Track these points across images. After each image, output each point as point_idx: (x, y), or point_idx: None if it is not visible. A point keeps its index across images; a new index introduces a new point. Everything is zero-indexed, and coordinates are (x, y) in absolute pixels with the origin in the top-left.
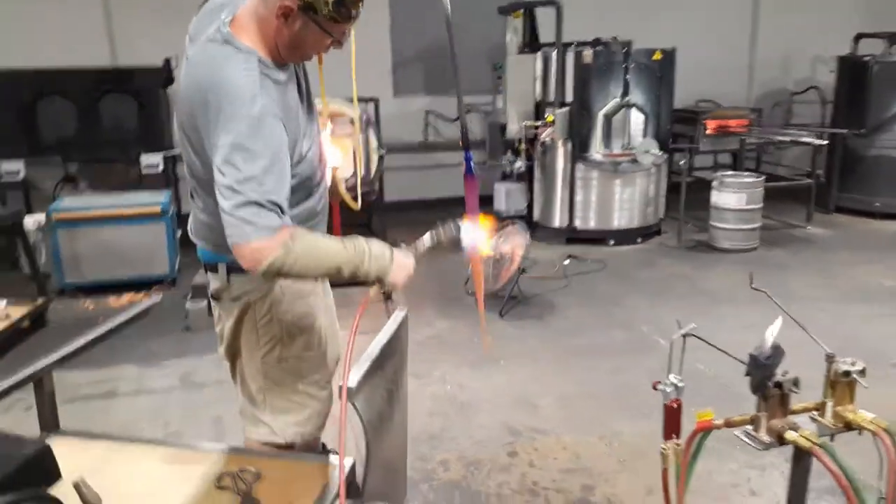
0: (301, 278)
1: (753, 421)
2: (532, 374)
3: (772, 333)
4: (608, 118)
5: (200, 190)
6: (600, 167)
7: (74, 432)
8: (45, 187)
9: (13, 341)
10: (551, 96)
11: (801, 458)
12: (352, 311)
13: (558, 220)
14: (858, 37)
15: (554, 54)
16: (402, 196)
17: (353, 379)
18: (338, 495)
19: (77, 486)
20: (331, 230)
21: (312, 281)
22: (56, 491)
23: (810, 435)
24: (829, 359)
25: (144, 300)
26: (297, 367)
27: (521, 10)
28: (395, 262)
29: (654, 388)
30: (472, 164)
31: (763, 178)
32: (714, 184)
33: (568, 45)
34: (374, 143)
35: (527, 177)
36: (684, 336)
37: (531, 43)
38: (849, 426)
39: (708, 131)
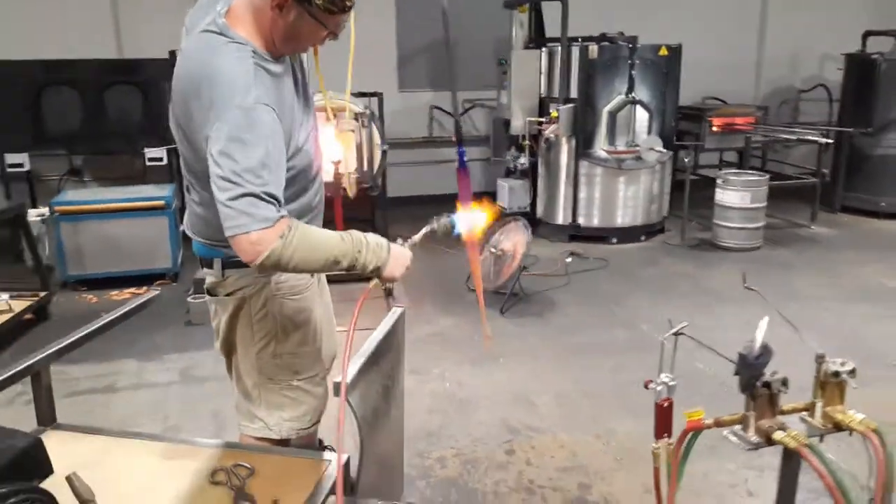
0: (299, 271)
1: (742, 421)
2: (532, 371)
3: (760, 333)
4: (613, 115)
5: (196, 183)
6: (604, 164)
7: (71, 426)
8: (49, 180)
9: (16, 334)
10: (556, 92)
11: (791, 459)
12: (352, 306)
13: (561, 216)
14: (867, 34)
15: (559, 49)
16: (405, 191)
17: (348, 375)
18: (332, 491)
19: (69, 480)
20: (333, 225)
21: (308, 275)
22: (49, 485)
23: (798, 435)
24: (819, 359)
25: (144, 294)
26: (292, 362)
27: (527, 5)
28: (393, 254)
29: (646, 387)
30: (464, 158)
31: (767, 176)
32: (718, 182)
33: (573, 40)
34: (376, 138)
35: (530, 173)
36: (676, 335)
37: (537, 38)
38: (838, 427)
39: (713, 129)
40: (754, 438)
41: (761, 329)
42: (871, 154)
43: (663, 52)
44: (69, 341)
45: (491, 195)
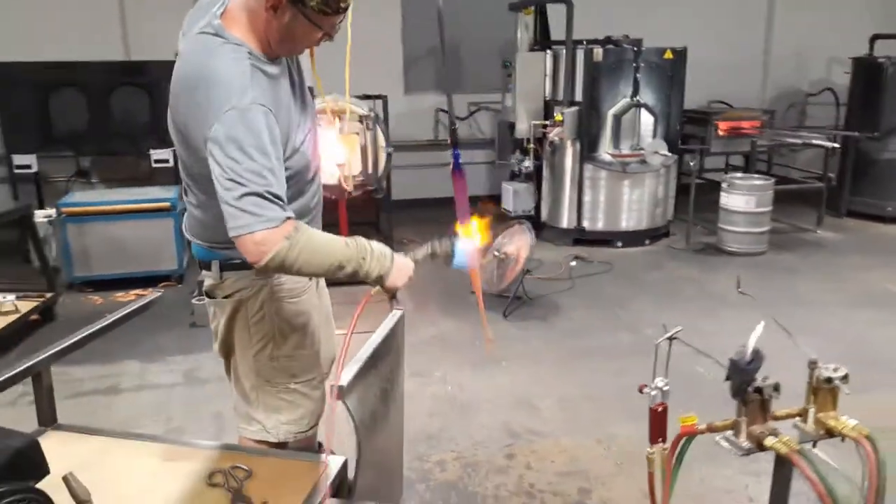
0: (303, 274)
1: (734, 426)
2: (534, 375)
3: (752, 338)
4: (617, 118)
5: (193, 186)
6: (609, 167)
7: (71, 427)
8: (57, 181)
9: (22, 335)
10: (560, 95)
11: (783, 465)
12: (355, 309)
13: (566, 220)
14: (874, 38)
15: (563, 52)
16: (410, 194)
17: (345, 378)
18: (329, 493)
19: (66, 481)
20: (337, 228)
21: (307, 278)
22: (47, 485)
23: (789, 441)
24: (812, 365)
25: (147, 296)
26: (290, 365)
27: (532, 7)
28: (396, 263)
29: (641, 391)
30: (459, 160)
31: (773, 180)
32: (723, 186)
33: (578, 42)
34: (381, 140)
35: (535, 176)
36: (670, 339)
37: (542, 40)
38: (830, 433)
39: (719, 132)
40: (746, 444)
41: (754, 334)
42: (877, 158)
43: (668, 55)
44: (69, 342)
45: (495, 198)
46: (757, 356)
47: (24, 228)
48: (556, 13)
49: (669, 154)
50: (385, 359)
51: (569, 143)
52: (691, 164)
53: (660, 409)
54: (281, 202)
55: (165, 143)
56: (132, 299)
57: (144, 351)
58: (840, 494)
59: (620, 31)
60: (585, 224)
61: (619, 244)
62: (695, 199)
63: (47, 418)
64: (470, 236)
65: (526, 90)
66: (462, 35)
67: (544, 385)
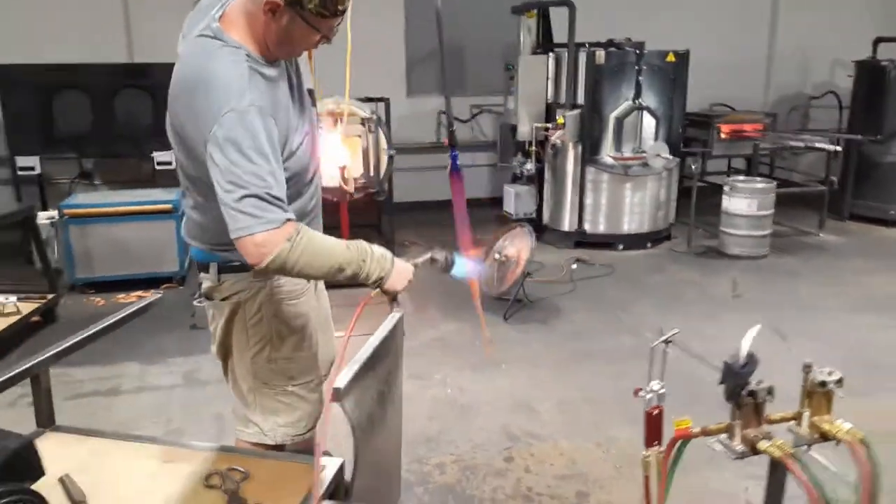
0: (303, 276)
1: (728, 430)
2: (534, 378)
3: (746, 342)
4: (619, 121)
5: (192, 188)
6: (611, 170)
7: (69, 428)
8: (61, 183)
9: (23, 336)
10: (563, 98)
11: (777, 469)
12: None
13: (568, 223)
14: (878, 41)
15: (566, 55)
16: (412, 197)
17: (342, 380)
18: (326, 496)
19: (62, 482)
20: (338, 230)
21: (305, 280)
22: (42, 486)
23: (783, 445)
24: (806, 368)
25: (145, 298)
26: (287, 368)
27: (535, 10)
28: (396, 267)
29: (636, 394)
30: (457, 162)
31: (774, 183)
32: (725, 189)
33: (581, 45)
34: (383, 143)
35: (537, 179)
36: (665, 343)
37: (545, 43)
38: (825, 437)
39: (721, 135)
40: (739, 447)
41: (747, 338)
42: (880, 162)
43: (671, 58)
44: (67, 345)
45: (497, 201)
46: (751, 360)
47: (27, 230)
48: (558, 16)
49: (671, 157)
50: (383, 361)
51: (570, 146)
52: (693, 166)
53: (655, 412)
54: (281, 203)
55: (168, 145)
56: (134, 301)
57: (145, 352)
58: (838, 498)
59: (623, 34)
60: (587, 227)
61: (621, 247)
62: (697, 202)
63: (45, 420)
64: (470, 252)
65: (528, 93)
66: (465, 37)
67: (544, 388)
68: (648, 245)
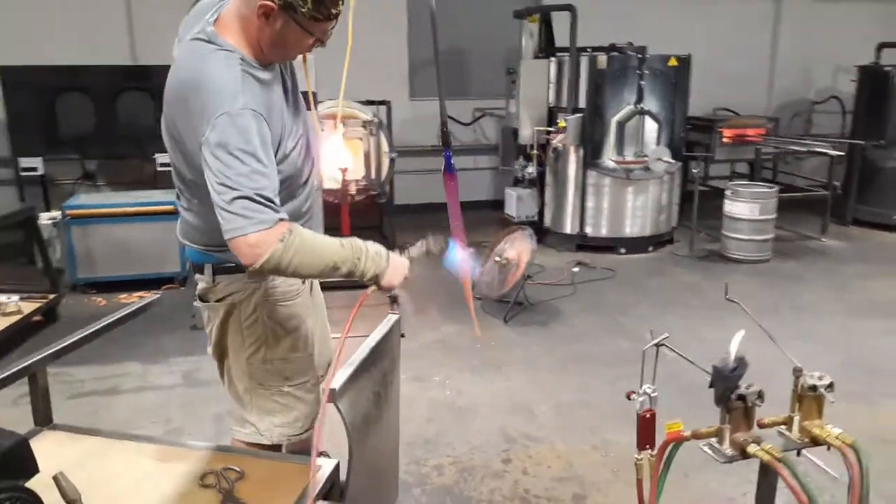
0: (298, 275)
1: (717, 433)
2: (532, 380)
3: (735, 345)
4: (621, 125)
5: (185, 190)
6: (612, 174)
7: (66, 427)
8: (64, 184)
9: (24, 335)
10: (564, 102)
11: (767, 473)
12: (358, 313)
13: (569, 226)
14: (881, 46)
15: (567, 59)
16: (414, 199)
17: (337, 381)
18: (320, 496)
19: (56, 480)
20: (339, 232)
21: (300, 281)
22: (38, 484)
23: (773, 449)
24: (797, 373)
25: (144, 299)
26: (283, 368)
27: (537, 15)
28: (392, 263)
29: (629, 398)
30: (451, 161)
31: (777, 188)
32: (727, 193)
33: (583, 50)
34: (385, 145)
35: (538, 182)
36: (657, 346)
37: (547, 48)
38: (815, 441)
39: (724, 140)
40: (729, 451)
41: (735, 341)
42: (883, 167)
43: (673, 62)
44: (64, 344)
45: (499, 204)
46: (740, 363)
47: (29, 230)
48: (560, 21)
49: (673, 161)
50: (379, 363)
51: (572, 150)
52: (694, 171)
53: (647, 415)
54: (273, 204)
55: None
56: (135, 301)
57: (146, 352)
58: (827, 503)
59: (625, 39)
60: (588, 230)
61: (623, 251)
62: (700, 206)
63: (43, 418)
64: (464, 242)
65: (529, 97)
66: (467, 41)
67: (543, 391)
68: (650, 249)
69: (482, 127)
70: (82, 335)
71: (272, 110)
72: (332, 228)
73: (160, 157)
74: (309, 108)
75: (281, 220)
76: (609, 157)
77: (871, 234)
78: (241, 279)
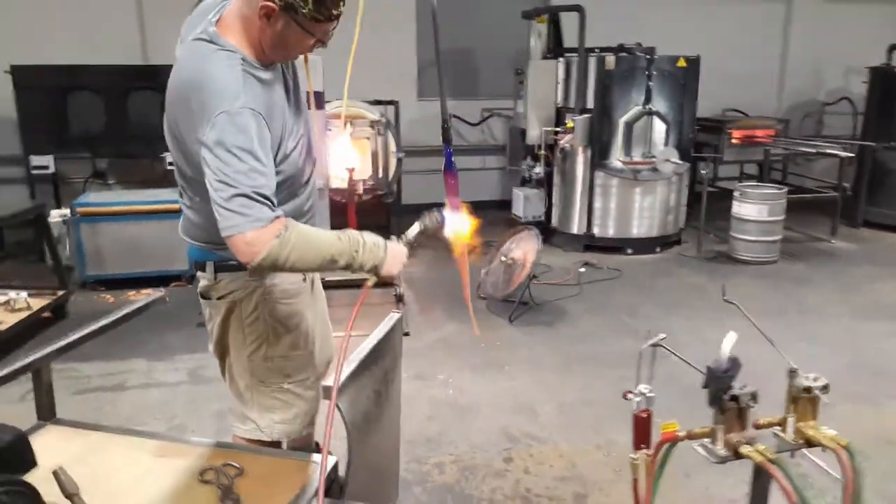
0: (296, 270)
1: (711, 434)
2: (536, 380)
3: (727, 346)
4: (629, 125)
5: (187, 188)
6: (620, 175)
7: (69, 422)
8: (75, 182)
9: (33, 332)
10: (572, 102)
11: (760, 474)
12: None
13: (576, 226)
14: (892, 47)
15: (575, 60)
16: (421, 199)
17: (336, 379)
18: (316, 493)
19: (56, 474)
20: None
21: (301, 279)
22: (37, 478)
23: (765, 450)
24: (791, 374)
25: (149, 296)
26: (283, 366)
27: (546, 15)
28: (390, 252)
29: (625, 397)
30: (451, 159)
31: (785, 189)
32: (735, 194)
33: (591, 50)
34: (392, 145)
35: (546, 182)
36: (654, 346)
37: (555, 48)
38: (809, 442)
39: (733, 141)
40: (722, 452)
41: (728, 342)
42: (894, 168)
43: (681, 63)
44: (68, 341)
45: (507, 204)
46: (734, 364)
47: (39, 227)
48: (569, 22)
49: (681, 162)
50: (380, 361)
51: (580, 150)
52: (703, 172)
53: (644, 415)
54: (270, 202)
55: None
56: (142, 298)
57: (152, 349)
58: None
59: (634, 40)
60: (596, 230)
61: (630, 251)
62: (709, 207)
63: (46, 413)
64: (459, 212)
65: (537, 97)
66: (476, 42)
67: (546, 390)
68: (658, 249)
69: (490, 127)
70: (85, 332)
71: (273, 110)
72: (338, 228)
73: (169, 156)
74: (310, 108)
75: (277, 217)
76: (617, 158)
77: (882, 235)
78: (243, 277)
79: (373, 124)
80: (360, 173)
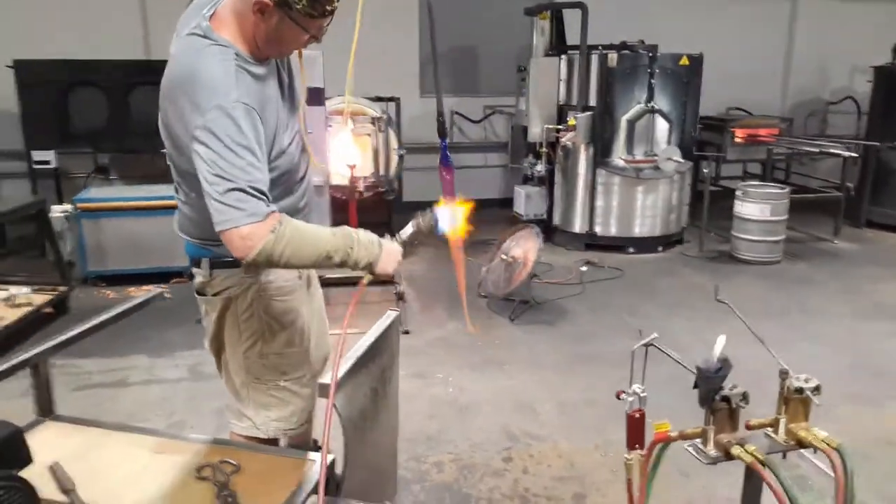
0: (291, 266)
1: (702, 434)
2: (536, 379)
3: (718, 346)
4: (632, 123)
5: (183, 183)
6: (622, 173)
7: (68, 418)
8: (77, 177)
9: (35, 327)
10: (575, 100)
11: (752, 475)
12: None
13: (578, 225)
14: None
15: (578, 57)
16: (422, 196)
17: (332, 377)
18: (314, 490)
19: (52, 470)
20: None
21: (296, 276)
22: (34, 474)
23: (756, 451)
24: (783, 375)
25: (148, 293)
26: (279, 363)
27: (548, 12)
28: (385, 249)
29: (618, 397)
30: (447, 152)
31: (788, 189)
32: (737, 194)
33: (594, 48)
34: (393, 142)
35: (547, 181)
36: (646, 346)
37: (557, 45)
38: (801, 444)
39: (736, 140)
40: (713, 452)
41: (719, 343)
42: None
43: (684, 61)
44: (65, 337)
45: (508, 201)
46: (724, 364)
47: (40, 223)
48: (572, 19)
49: (683, 161)
50: (377, 359)
51: (582, 148)
52: (705, 170)
53: (637, 415)
54: (264, 197)
55: None
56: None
57: (153, 346)
58: None
59: (637, 37)
60: (598, 229)
61: (632, 250)
62: (712, 206)
63: (45, 409)
64: (452, 208)
65: (539, 94)
66: (478, 39)
67: (546, 389)
68: (660, 249)
69: (492, 124)
70: (82, 329)
71: (266, 105)
72: (339, 224)
73: None
74: (322, 104)
75: (272, 212)
76: (619, 156)
77: (885, 236)
78: (238, 273)
79: (374, 121)
80: (361, 170)
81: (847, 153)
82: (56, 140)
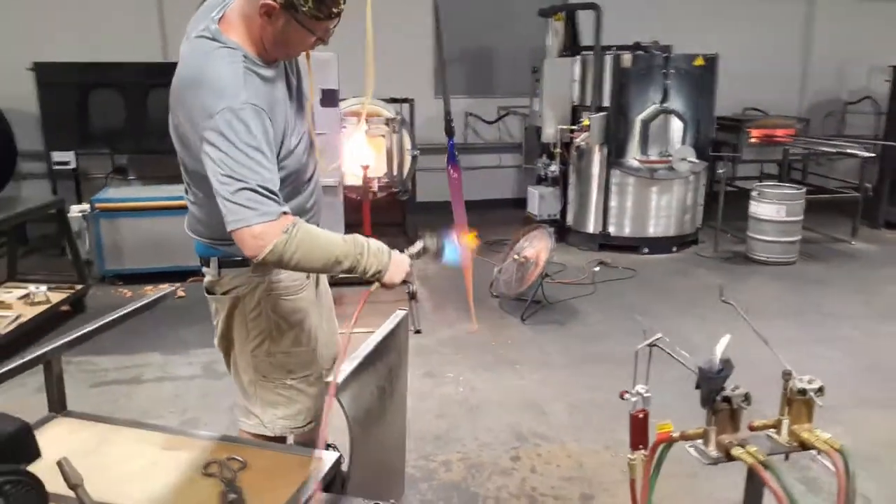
0: (300, 269)
1: (703, 435)
2: (546, 379)
3: (721, 347)
4: (646, 124)
5: (192, 183)
6: (636, 173)
7: (79, 414)
8: (96, 178)
9: (52, 325)
10: (588, 100)
11: (754, 476)
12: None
13: (592, 225)
14: None
15: (592, 58)
16: (436, 197)
17: (339, 375)
18: (319, 488)
19: (60, 465)
20: (361, 229)
21: (304, 276)
22: (43, 469)
23: (757, 452)
24: (786, 376)
25: (163, 291)
26: (286, 361)
27: (562, 13)
28: (394, 259)
29: (622, 397)
30: (454, 151)
31: (804, 189)
32: (753, 194)
33: (608, 48)
34: (407, 143)
35: (561, 181)
36: (650, 346)
37: (571, 46)
38: (804, 445)
39: (752, 140)
40: (714, 453)
41: (721, 344)
42: None
43: (699, 62)
44: (78, 334)
45: (522, 202)
46: (726, 365)
47: (59, 222)
48: (587, 20)
49: (698, 161)
50: (384, 358)
51: (596, 149)
52: (720, 171)
53: (640, 415)
54: (276, 197)
55: None
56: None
57: (168, 343)
58: None
59: (654, 38)
60: (611, 229)
61: (646, 250)
62: (727, 207)
63: (56, 405)
64: (461, 237)
65: (553, 95)
66: (493, 40)
67: (555, 389)
68: (674, 249)
69: (506, 125)
70: (94, 327)
71: (275, 106)
72: (353, 225)
73: None
74: (335, 105)
75: (284, 213)
76: (633, 157)
77: None
78: (246, 273)
79: (388, 122)
80: (374, 171)
81: (865, 153)
82: (75, 141)
